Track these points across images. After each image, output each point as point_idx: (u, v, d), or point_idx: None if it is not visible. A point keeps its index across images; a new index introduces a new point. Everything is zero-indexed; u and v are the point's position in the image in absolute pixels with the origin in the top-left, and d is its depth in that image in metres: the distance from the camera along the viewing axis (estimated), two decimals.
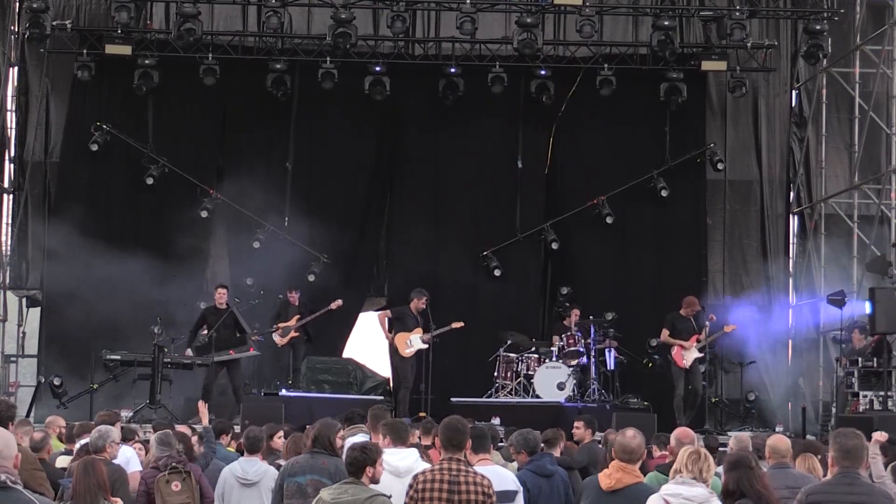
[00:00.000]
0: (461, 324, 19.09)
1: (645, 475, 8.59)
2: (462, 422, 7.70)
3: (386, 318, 19.28)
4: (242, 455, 10.35)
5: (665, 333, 19.15)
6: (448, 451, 7.53)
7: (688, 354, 19.05)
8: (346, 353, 21.38)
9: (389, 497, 7.21)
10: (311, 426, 9.30)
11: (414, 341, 18.90)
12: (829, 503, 6.99)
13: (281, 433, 11.32)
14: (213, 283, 20.67)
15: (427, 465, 8.26)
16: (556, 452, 10.94)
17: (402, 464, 8.13)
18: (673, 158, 21.55)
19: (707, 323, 19.20)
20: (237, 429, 13.84)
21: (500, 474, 8.20)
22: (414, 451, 8.47)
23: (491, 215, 21.79)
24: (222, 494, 10.07)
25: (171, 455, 9.73)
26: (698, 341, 19.11)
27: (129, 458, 10.52)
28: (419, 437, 10.62)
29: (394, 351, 19.19)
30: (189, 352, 18.73)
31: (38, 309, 21.43)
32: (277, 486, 8.62)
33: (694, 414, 19.06)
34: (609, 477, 7.71)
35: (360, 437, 9.28)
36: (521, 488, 8.28)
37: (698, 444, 8.32)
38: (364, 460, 7.21)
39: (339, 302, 19.81)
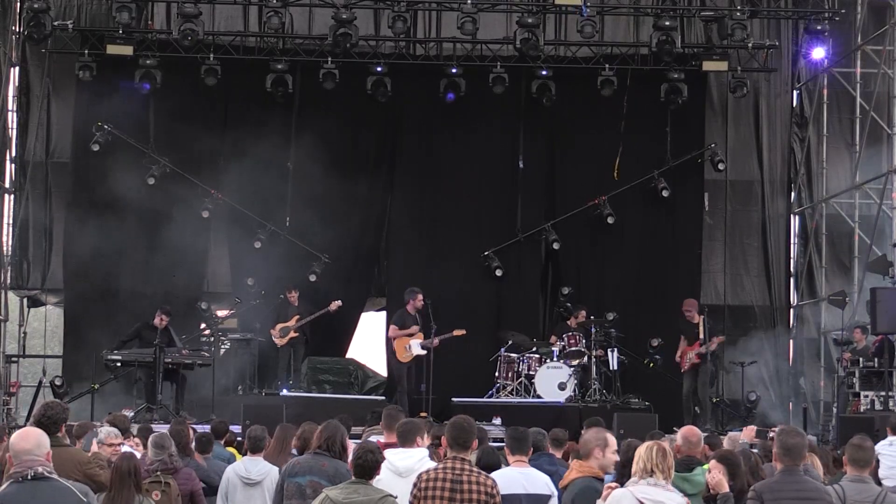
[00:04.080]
0: (463, 331, 19.08)
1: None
2: (469, 421, 7.68)
3: (396, 329, 19.22)
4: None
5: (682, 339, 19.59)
6: (454, 450, 7.52)
7: (688, 357, 19.41)
8: (348, 354, 21.39)
9: (396, 498, 7.22)
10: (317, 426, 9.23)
11: (413, 347, 18.89)
12: (780, 500, 7.03)
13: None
14: (215, 283, 20.69)
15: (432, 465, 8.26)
16: (559, 454, 10.92)
17: (402, 464, 8.12)
18: (674, 158, 21.51)
19: (708, 325, 19.35)
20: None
21: (532, 477, 8.14)
22: (420, 451, 8.44)
23: (492, 215, 21.76)
24: (226, 494, 10.09)
25: (163, 460, 9.29)
26: (700, 345, 19.33)
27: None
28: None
29: (391, 354, 19.21)
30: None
31: (43, 309, 21.41)
32: (279, 485, 8.60)
33: (699, 414, 19.17)
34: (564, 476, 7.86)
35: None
36: (556, 493, 8.15)
37: (704, 445, 8.29)
38: (376, 462, 7.24)
39: (338, 303, 19.80)
